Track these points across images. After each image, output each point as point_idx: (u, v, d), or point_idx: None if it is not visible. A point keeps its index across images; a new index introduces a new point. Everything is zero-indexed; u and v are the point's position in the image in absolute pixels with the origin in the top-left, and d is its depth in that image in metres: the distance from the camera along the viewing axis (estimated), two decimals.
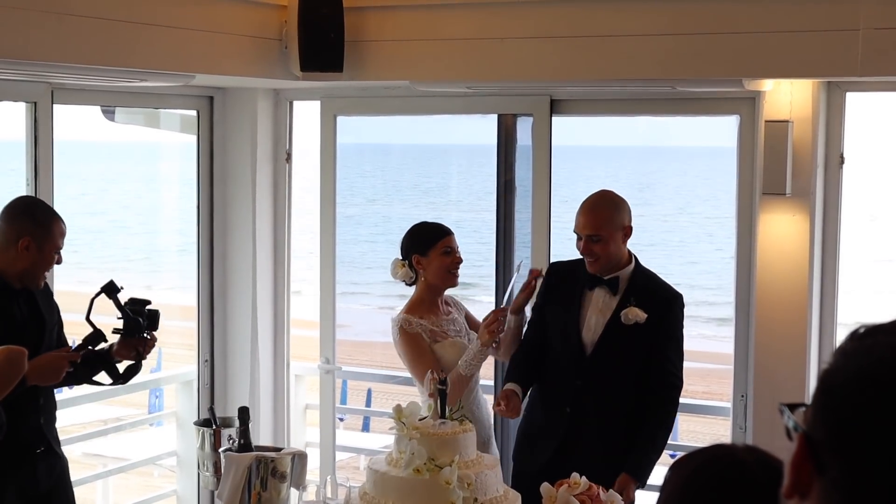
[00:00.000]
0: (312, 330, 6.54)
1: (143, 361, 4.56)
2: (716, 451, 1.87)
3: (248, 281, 6.36)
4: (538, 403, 4.90)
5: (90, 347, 4.40)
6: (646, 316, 4.65)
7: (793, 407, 1.32)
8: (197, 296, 6.43)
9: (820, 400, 1.29)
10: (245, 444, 4.59)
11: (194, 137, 6.36)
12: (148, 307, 4.53)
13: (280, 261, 6.46)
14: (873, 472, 1.22)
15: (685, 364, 4.79)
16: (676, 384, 4.72)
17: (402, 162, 35.41)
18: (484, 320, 4.81)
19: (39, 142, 5.37)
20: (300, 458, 4.61)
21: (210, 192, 6.37)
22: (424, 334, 4.85)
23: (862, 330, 1.32)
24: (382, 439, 8.85)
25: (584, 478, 4.07)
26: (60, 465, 4.60)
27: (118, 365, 4.56)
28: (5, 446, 4.25)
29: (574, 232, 4.75)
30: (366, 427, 12.34)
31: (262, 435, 6.26)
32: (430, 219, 5.10)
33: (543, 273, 4.92)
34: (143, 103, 6.21)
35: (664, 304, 4.73)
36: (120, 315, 4.49)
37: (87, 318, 4.38)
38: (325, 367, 6.34)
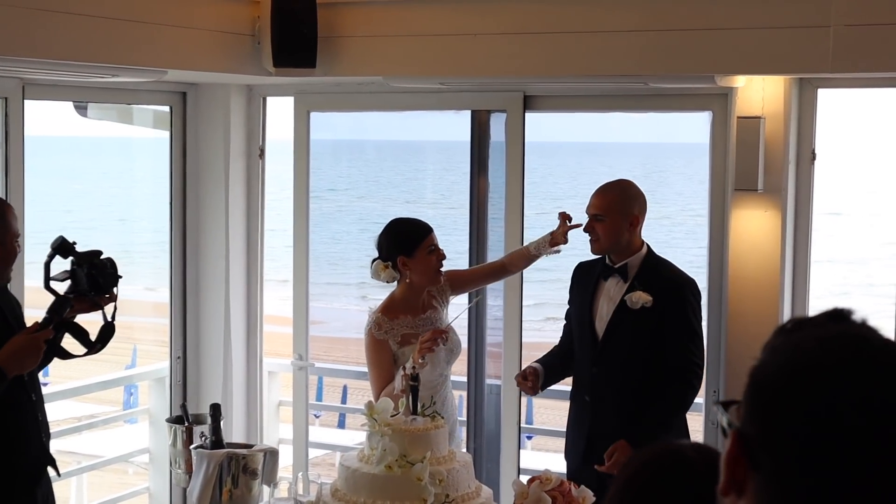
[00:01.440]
0: (287, 326, 6.53)
1: (114, 322, 4.16)
2: (662, 448, 1.88)
3: (220, 277, 6.34)
4: (571, 399, 5.04)
5: (58, 317, 4.02)
6: (651, 299, 4.72)
7: (728, 404, 1.33)
8: (170, 292, 6.41)
9: (750, 395, 1.30)
10: (217, 441, 4.58)
11: (167, 133, 6.34)
12: (102, 257, 4.15)
13: (253, 257, 6.45)
14: (805, 464, 1.23)
15: None
16: (695, 370, 4.76)
17: (377, 159, 35.36)
18: (420, 338, 4.66)
19: (10, 138, 5.33)
20: (271, 455, 4.61)
21: (183, 189, 6.35)
22: (393, 340, 4.76)
23: (790, 325, 1.33)
24: (357, 436, 8.84)
25: (555, 474, 4.08)
26: (51, 487, 4.32)
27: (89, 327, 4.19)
28: (15, 472, 4.04)
29: (585, 213, 4.88)
30: (341, 424, 12.34)
31: (235, 432, 6.25)
32: (404, 215, 5.07)
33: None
34: (116, 99, 6.18)
35: (673, 288, 4.79)
36: (71, 273, 4.11)
37: (47, 286, 4.08)
38: (297, 364, 6.32)
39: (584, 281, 4.97)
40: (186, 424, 4.87)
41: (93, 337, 4.18)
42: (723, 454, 1.30)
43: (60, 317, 4.04)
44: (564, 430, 5.11)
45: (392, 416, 4.06)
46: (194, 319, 6.42)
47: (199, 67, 5.52)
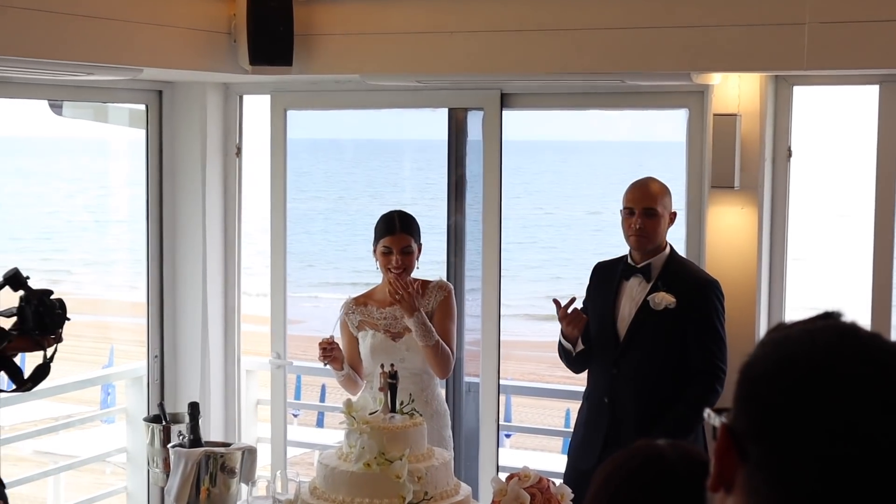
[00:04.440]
0: (264, 326, 6.52)
1: (51, 363, 3.99)
2: (639, 446, 1.89)
3: (198, 276, 6.32)
4: (585, 398, 4.96)
5: None
6: (674, 300, 4.67)
7: (721, 411, 1.36)
8: (147, 291, 6.39)
9: (741, 390, 1.34)
10: (195, 440, 4.57)
11: (143, 132, 6.32)
12: (52, 297, 4.02)
13: (230, 255, 6.43)
14: (795, 450, 1.26)
15: None
16: (719, 374, 4.68)
17: (354, 157, 35.34)
18: None
19: None
20: (250, 454, 4.60)
21: (159, 188, 6.33)
22: (352, 324, 5.02)
23: (780, 326, 1.37)
24: (336, 435, 8.83)
25: (534, 471, 4.09)
26: None
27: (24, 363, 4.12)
28: None
29: (626, 207, 4.77)
30: (320, 423, 12.32)
31: (213, 431, 6.23)
32: (383, 212, 5.08)
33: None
34: (92, 97, 6.15)
35: (697, 289, 4.73)
36: (20, 310, 3.97)
37: None
38: (276, 363, 6.32)
39: (606, 281, 4.89)
40: (164, 423, 4.86)
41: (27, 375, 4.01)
42: (712, 450, 1.33)
43: None
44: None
45: (371, 414, 4.06)
46: (171, 318, 6.40)
47: (176, 65, 5.50)
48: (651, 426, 4.61)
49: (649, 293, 4.73)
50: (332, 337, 4.95)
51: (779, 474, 1.27)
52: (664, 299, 4.68)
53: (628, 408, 4.72)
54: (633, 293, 4.79)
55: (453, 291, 5.05)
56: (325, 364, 4.93)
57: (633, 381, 4.73)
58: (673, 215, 4.82)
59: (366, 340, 4.96)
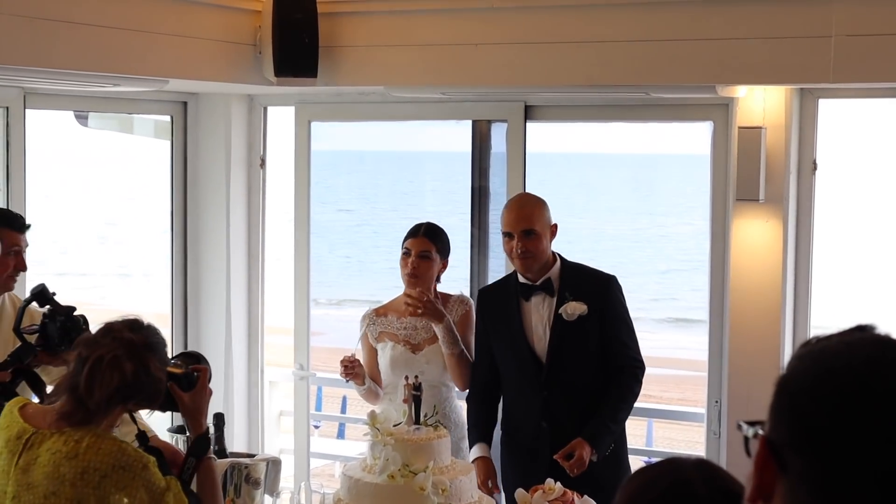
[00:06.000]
0: (288, 337, 6.52)
1: None
2: (666, 466, 1.87)
3: (221, 287, 6.33)
4: (513, 430, 4.81)
5: (19, 363, 3.86)
6: (586, 307, 4.60)
7: (753, 424, 1.36)
8: (170, 302, 6.41)
9: (778, 403, 1.33)
10: (219, 451, 4.57)
11: (168, 143, 6.34)
12: (76, 313, 3.99)
13: (254, 266, 6.45)
14: (838, 461, 1.26)
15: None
16: (637, 365, 4.67)
17: (378, 169, 35.40)
18: None
19: (11, 147, 5.33)
20: (274, 465, 4.59)
21: (184, 198, 6.35)
22: (371, 335, 5.03)
23: (815, 339, 1.37)
24: (357, 446, 8.84)
25: (558, 483, 4.08)
26: None
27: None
28: None
29: (504, 232, 4.65)
30: (341, 434, 12.32)
31: (236, 441, 6.24)
32: (406, 224, 5.09)
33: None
34: (117, 108, 6.19)
35: (600, 289, 4.68)
36: (42, 326, 3.93)
37: (17, 330, 3.96)
38: (299, 374, 6.32)
39: (501, 306, 4.75)
40: (189, 434, 4.85)
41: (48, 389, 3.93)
42: (749, 466, 1.33)
43: (21, 363, 3.90)
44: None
45: (395, 426, 4.06)
46: (195, 329, 6.42)
47: (201, 77, 5.52)
48: (585, 419, 4.56)
49: (557, 306, 4.64)
50: (353, 354, 4.96)
51: (822, 485, 1.27)
52: (576, 309, 4.60)
53: (569, 425, 4.57)
54: (540, 311, 4.67)
55: (474, 306, 5.04)
56: (347, 380, 4.96)
57: (567, 396, 4.63)
58: (554, 228, 4.68)
59: (385, 352, 4.97)
